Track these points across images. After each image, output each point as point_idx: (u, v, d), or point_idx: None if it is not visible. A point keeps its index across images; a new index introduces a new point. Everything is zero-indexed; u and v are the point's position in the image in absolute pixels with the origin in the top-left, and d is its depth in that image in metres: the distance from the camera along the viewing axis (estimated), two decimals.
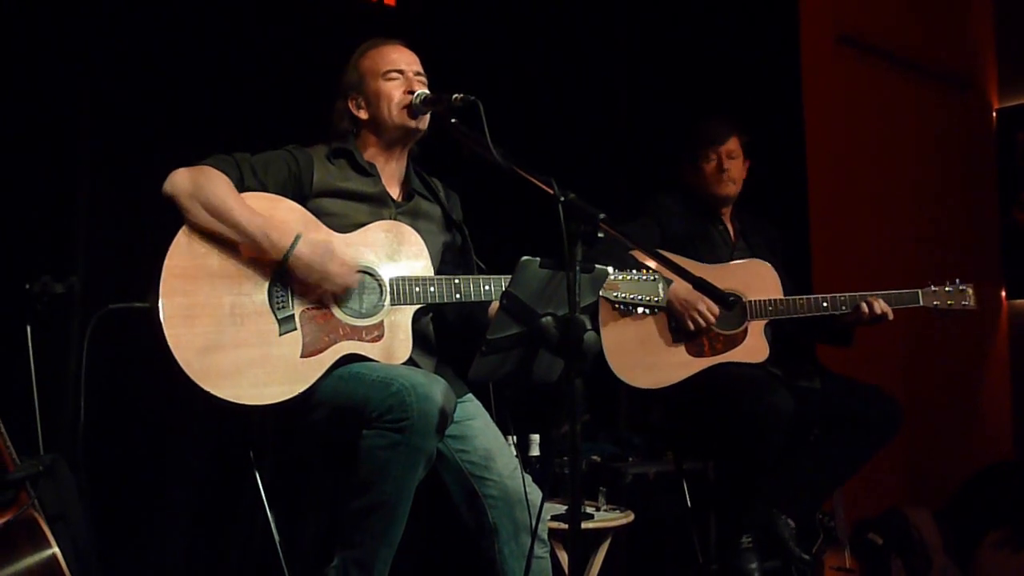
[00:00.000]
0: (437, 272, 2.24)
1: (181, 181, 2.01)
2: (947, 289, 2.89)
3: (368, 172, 2.23)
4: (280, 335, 2.01)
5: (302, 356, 2.02)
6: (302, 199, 2.14)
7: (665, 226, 2.97)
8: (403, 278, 2.12)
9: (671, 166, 3.13)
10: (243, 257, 2.03)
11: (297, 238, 2.01)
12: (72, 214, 2.54)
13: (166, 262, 1.97)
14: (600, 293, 2.18)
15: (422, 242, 2.19)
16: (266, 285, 2.03)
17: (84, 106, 2.55)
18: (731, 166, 2.99)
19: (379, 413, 1.90)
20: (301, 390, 2.01)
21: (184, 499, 2.65)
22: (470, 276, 2.16)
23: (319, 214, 2.13)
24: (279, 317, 2.02)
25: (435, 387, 1.92)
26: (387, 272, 2.13)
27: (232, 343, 1.97)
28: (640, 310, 2.29)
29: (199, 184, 2.00)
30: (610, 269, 2.16)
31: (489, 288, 2.14)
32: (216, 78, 2.75)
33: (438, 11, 3.18)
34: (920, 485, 4.65)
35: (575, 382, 1.58)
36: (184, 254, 1.99)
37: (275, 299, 2.03)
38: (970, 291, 2.90)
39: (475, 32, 3.30)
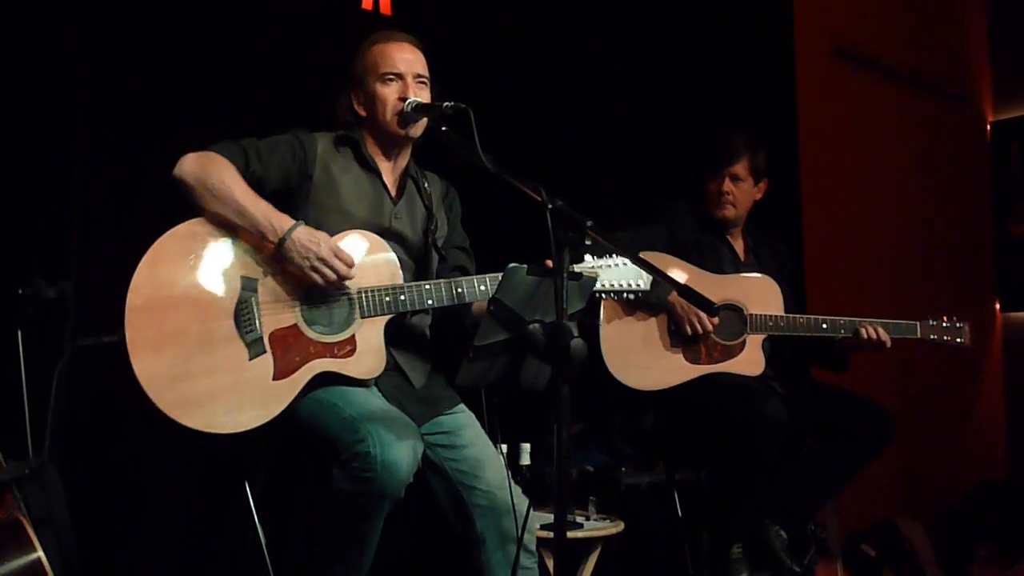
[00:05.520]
0: (437, 275, 2.24)
1: (189, 165, 2.04)
2: (944, 324, 2.97)
3: (370, 166, 2.23)
4: (250, 359, 1.99)
5: (274, 379, 2.00)
6: (307, 180, 2.14)
7: (676, 232, 2.97)
8: (372, 288, 2.08)
9: (690, 173, 3.12)
10: (208, 281, 2.00)
11: (298, 223, 2.02)
12: (66, 217, 2.54)
13: (129, 295, 1.94)
14: None
15: (388, 247, 2.14)
16: (232, 309, 2.00)
17: (80, 107, 2.55)
18: (733, 189, 2.98)
19: (345, 457, 1.90)
20: (275, 413, 1.99)
21: (173, 507, 2.64)
22: (442, 280, 2.13)
23: (317, 206, 2.13)
24: (247, 341, 1.99)
25: (402, 438, 1.89)
26: (355, 284, 2.08)
27: (202, 371, 1.95)
28: (631, 297, 2.21)
29: (206, 169, 2.02)
30: (588, 257, 2.14)
31: (462, 291, 2.10)
32: (212, 86, 2.75)
33: (434, 20, 3.19)
34: (913, 497, 4.64)
35: (562, 388, 1.58)
36: (146, 285, 1.96)
37: (242, 323, 2.00)
38: (966, 328, 2.98)
39: (471, 41, 3.31)
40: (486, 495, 2.09)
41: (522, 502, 2.08)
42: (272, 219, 2.01)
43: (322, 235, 2.04)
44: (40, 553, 1.79)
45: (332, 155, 2.20)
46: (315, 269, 2.01)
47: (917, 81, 4.97)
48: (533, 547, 2.14)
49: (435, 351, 2.28)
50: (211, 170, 2.02)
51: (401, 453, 1.87)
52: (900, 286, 4.69)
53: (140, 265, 1.97)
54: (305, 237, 2.01)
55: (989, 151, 5.41)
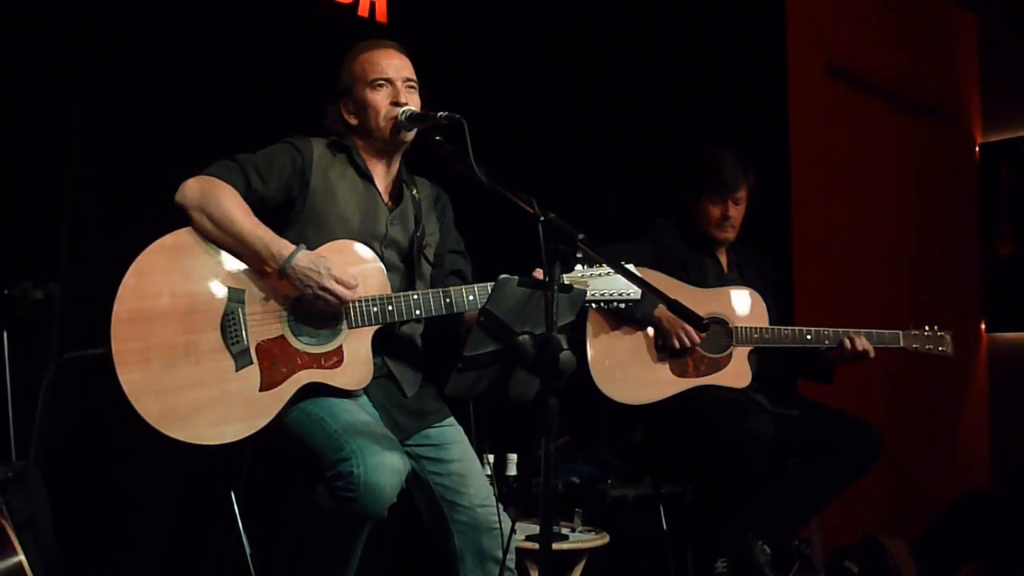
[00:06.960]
0: (432, 281, 2.25)
1: (191, 192, 2.04)
2: (927, 334, 2.96)
3: (365, 173, 2.22)
4: (237, 370, 1.98)
5: (261, 390, 1.99)
6: (306, 187, 2.13)
7: (660, 249, 2.98)
8: (360, 299, 2.06)
9: (676, 189, 3.12)
10: (194, 292, 2.00)
11: (297, 248, 2.01)
12: (54, 219, 2.52)
13: (115, 307, 1.94)
14: None
15: (376, 257, 2.14)
16: (218, 321, 1.99)
17: (70, 110, 2.55)
18: (735, 213, 3.01)
19: (329, 475, 1.89)
20: (262, 425, 1.98)
21: (158, 516, 2.62)
22: (430, 290, 2.13)
23: (315, 212, 2.13)
24: (234, 352, 1.99)
25: (388, 460, 1.88)
26: None
27: (188, 383, 1.94)
28: (621, 306, 2.19)
29: (206, 195, 2.02)
30: (579, 266, 2.14)
31: (450, 300, 2.10)
32: (208, 94, 2.74)
33: (430, 29, 3.20)
34: (898, 515, 4.66)
35: (550, 401, 1.58)
36: (132, 297, 1.95)
37: (228, 334, 1.99)
38: (948, 338, 2.98)
39: (467, 50, 3.32)
40: (467, 512, 2.08)
41: (507, 523, 2.06)
42: (272, 247, 2.01)
43: (322, 261, 2.03)
44: (21, 557, 1.78)
45: (328, 160, 2.20)
46: (319, 297, 2.01)
47: (908, 101, 5.01)
48: (513, 565, 2.12)
49: (428, 360, 2.28)
50: (211, 197, 2.02)
51: (385, 476, 1.86)
52: (887, 305, 4.71)
53: (126, 276, 1.97)
54: (305, 264, 2.00)
55: (978, 172, 5.45)
